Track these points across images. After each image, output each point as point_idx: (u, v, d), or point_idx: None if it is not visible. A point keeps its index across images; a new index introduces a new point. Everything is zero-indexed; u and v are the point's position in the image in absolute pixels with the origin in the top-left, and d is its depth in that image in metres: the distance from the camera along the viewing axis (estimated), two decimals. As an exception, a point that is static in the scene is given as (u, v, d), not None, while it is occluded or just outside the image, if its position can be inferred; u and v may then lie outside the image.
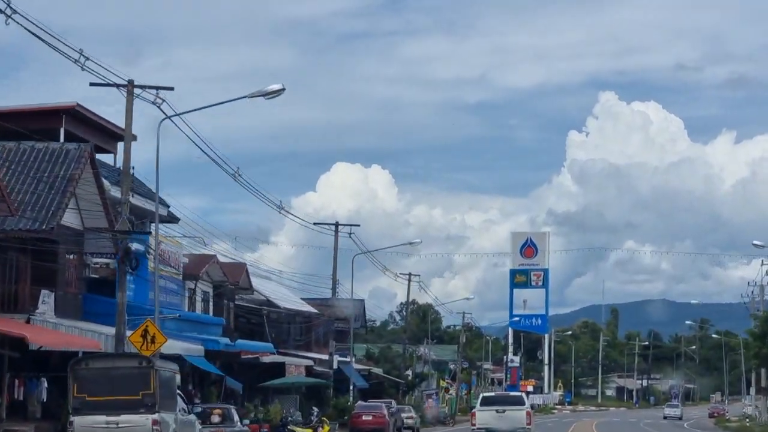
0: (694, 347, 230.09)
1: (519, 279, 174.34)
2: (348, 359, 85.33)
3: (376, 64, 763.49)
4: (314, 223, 79.16)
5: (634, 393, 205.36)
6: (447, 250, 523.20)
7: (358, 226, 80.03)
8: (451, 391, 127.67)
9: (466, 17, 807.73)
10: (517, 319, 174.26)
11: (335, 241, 78.93)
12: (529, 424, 48.22)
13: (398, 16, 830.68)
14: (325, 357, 79.10)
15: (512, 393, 64.71)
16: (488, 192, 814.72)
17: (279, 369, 69.71)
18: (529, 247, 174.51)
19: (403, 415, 79.90)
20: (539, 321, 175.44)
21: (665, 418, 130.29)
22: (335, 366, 77.71)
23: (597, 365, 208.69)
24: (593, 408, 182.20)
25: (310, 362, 75.11)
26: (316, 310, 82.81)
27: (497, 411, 48.08)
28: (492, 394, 63.67)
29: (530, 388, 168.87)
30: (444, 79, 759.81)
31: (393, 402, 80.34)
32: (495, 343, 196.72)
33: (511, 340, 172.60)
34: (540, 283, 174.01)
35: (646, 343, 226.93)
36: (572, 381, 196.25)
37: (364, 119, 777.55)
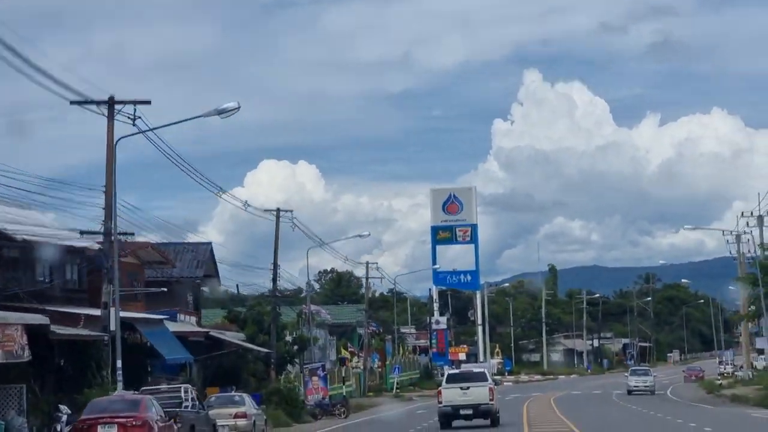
0: (649, 299, 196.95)
1: (442, 235, 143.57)
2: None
3: (298, 44, 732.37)
4: (248, 206, 66.05)
5: (585, 356, 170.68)
6: (375, 232, 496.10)
7: (292, 211, 71.41)
8: (355, 363, 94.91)
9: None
10: (442, 275, 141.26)
11: (276, 227, 69.96)
12: (492, 399, 48.40)
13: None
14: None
15: (475, 370, 59.37)
16: (414, 181, 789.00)
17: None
18: (452, 203, 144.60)
19: (223, 416, 45.13)
20: (469, 277, 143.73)
21: (630, 392, 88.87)
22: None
23: (539, 326, 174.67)
24: (539, 377, 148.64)
25: (44, 320, 39.84)
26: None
27: (461, 388, 48.59)
28: (456, 371, 63.41)
29: (462, 356, 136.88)
30: (368, 60, 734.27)
31: (189, 389, 44.12)
32: (421, 308, 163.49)
33: (436, 296, 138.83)
34: (468, 239, 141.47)
35: (597, 295, 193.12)
36: (512, 345, 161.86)
37: (289, 115, 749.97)
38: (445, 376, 52.88)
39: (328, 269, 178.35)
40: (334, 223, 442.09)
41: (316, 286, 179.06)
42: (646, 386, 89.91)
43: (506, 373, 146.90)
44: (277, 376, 69.92)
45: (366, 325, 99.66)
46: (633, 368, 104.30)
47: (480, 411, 48.40)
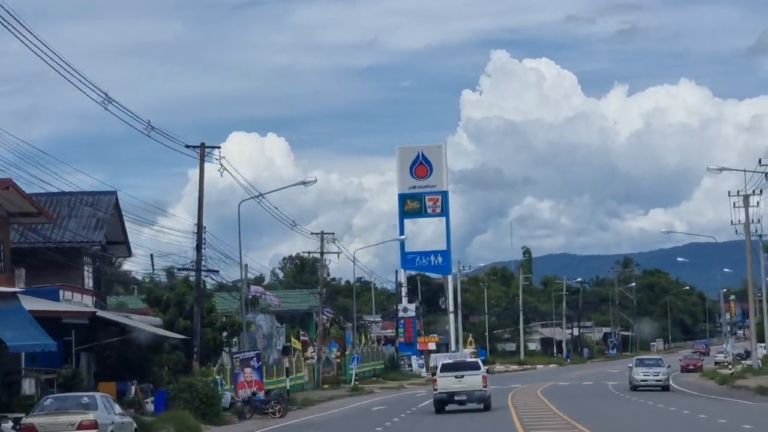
0: (633, 285, 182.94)
1: (411, 206, 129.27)
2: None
3: (268, 32, 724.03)
4: (186, 146, 56.12)
5: (564, 345, 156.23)
6: (345, 214, 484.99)
7: (219, 147, 57.67)
8: (311, 353, 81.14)
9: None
10: (411, 257, 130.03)
11: (201, 167, 56.62)
12: (485, 386, 50.29)
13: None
14: None
15: (468, 360, 59.79)
16: (384, 155, 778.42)
17: None
18: (421, 165, 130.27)
19: (59, 427, 31.63)
20: (440, 259, 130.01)
21: (635, 388, 68.31)
22: None
23: (514, 314, 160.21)
24: (515, 366, 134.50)
25: None
26: None
27: (456, 377, 50.25)
28: (450, 361, 59.70)
29: (432, 346, 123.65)
30: (336, 44, 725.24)
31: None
32: (389, 297, 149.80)
33: (404, 280, 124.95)
34: (438, 210, 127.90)
35: (579, 280, 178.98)
36: (486, 335, 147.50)
37: (258, 88, 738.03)
38: (440, 365, 54.02)
39: (293, 255, 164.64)
40: (303, 202, 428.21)
41: (280, 274, 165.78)
42: (657, 380, 68.43)
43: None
44: (202, 368, 55.26)
45: (320, 310, 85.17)
46: (640, 357, 79.30)
47: (474, 397, 50.33)
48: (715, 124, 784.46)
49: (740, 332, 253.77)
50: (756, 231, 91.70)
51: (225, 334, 61.66)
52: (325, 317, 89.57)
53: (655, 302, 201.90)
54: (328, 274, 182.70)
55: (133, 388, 47.22)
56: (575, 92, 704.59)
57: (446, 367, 52.31)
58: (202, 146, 56.85)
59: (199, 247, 56.52)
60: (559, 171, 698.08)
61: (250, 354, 57.38)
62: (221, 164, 56.71)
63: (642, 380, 68.70)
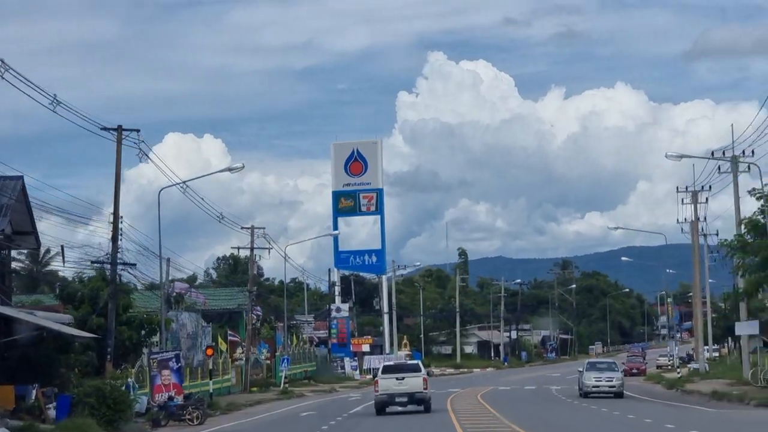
0: (573, 286, 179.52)
1: (345, 204, 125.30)
2: None
3: (205, 33, 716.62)
4: (102, 128, 51.51)
5: (501, 348, 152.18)
6: (281, 216, 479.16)
7: (139, 131, 52.75)
8: (240, 355, 76.65)
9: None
10: (345, 256, 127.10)
11: (117, 150, 52.09)
12: (425, 388, 50.20)
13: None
14: None
15: (410, 362, 60.38)
16: (320, 157, 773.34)
17: None
18: (356, 161, 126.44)
19: None
20: (374, 258, 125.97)
21: (586, 395, 60.89)
22: None
23: (450, 316, 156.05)
24: (451, 370, 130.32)
25: None
26: None
27: (397, 378, 50.37)
28: (392, 363, 60.03)
29: (366, 347, 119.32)
30: (272, 45, 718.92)
31: None
32: (323, 298, 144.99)
33: (337, 279, 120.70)
34: (373, 208, 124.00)
35: (518, 281, 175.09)
36: (422, 337, 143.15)
37: (194, 89, 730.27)
38: (381, 367, 53.84)
39: (227, 255, 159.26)
40: (240, 205, 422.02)
41: (214, 274, 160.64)
42: (611, 386, 60.79)
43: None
44: (116, 370, 50.40)
45: (249, 309, 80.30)
46: (591, 361, 69.51)
47: (415, 399, 50.35)
48: (650, 128, 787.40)
49: (678, 335, 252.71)
50: (702, 229, 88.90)
51: (143, 332, 56.56)
52: (255, 316, 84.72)
53: (594, 305, 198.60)
54: (262, 274, 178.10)
55: (34, 392, 42.31)
56: (512, 94, 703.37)
57: (387, 369, 52.44)
58: (119, 129, 52.17)
59: (114, 238, 51.69)
60: (496, 174, 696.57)
61: (168, 354, 52.62)
62: (140, 149, 52.12)
63: (594, 386, 61.05)
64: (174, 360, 51.88)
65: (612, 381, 60.87)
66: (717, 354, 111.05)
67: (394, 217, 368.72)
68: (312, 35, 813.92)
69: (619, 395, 60.25)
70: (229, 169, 58.60)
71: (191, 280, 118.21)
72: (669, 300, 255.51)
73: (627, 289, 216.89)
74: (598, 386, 60.94)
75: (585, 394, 60.98)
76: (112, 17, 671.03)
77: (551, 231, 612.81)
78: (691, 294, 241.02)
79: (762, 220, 57.55)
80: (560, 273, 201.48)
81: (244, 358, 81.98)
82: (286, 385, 79.61)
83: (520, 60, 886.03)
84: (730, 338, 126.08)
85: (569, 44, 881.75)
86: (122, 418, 42.03)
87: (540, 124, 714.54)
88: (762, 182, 58.29)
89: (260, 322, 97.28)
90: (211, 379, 62.84)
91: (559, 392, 69.87)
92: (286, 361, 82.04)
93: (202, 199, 65.00)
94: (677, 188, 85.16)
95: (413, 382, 50.05)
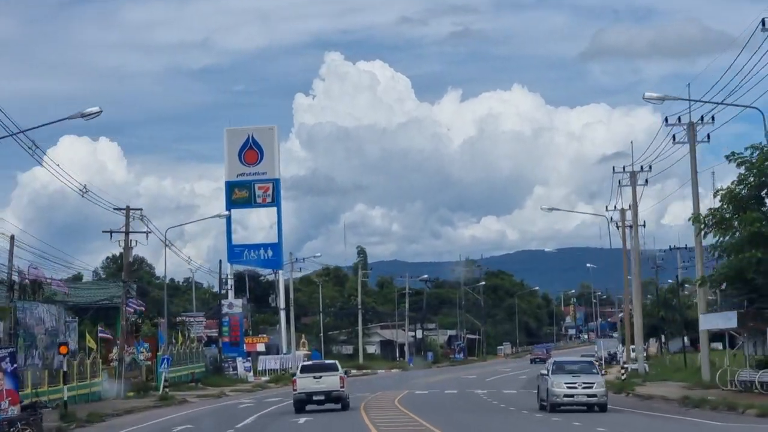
0: (483, 283, 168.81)
1: (239, 195, 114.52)
2: None
3: (98, 31, 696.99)
4: None
5: (406, 348, 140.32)
6: (178, 220, 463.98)
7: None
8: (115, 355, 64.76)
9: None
10: (239, 250, 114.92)
11: None
12: (342, 386, 50.60)
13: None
14: None
15: (327, 362, 57.76)
16: (217, 161, 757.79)
17: None
18: (251, 150, 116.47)
19: None
20: (270, 252, 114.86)
21: (554, 407, 43.86)
22: None
23: (350, 315, 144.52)
24: (354, 371, 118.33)
25: None
26: None
27: (314, 377, 50.81)
28: (310, 363, 60.65)
29: (261, 347, 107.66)
30: (167, 44, 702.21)
31: None
32: (216, 297, 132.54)
33: (230, 272, 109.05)
34: (269, 200, 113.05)
35: (425, 277, 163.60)
36: (321, 335, 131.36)
37: (89, 89, 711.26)
38: (300, 366, 54.47)
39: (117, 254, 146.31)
40: (136, 206, 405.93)
41: (102, 273, 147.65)
42: (591, 395, 43.97)
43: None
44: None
45: (123, 300, 67.70)
46: (558, 360, 49.42)
47: (332, 397, 50.62)
48: (547, 132, 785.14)
49: (584, 336, 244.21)
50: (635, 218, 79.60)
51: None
52: (132, 310, 72.17)
53: (499, 305, 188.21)
54: (153, 274, 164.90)
55: None
56: (409, 96, 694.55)
57: (305, 368, 52.87)
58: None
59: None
60: (392, 177, 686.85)
61: (1, 354, 40.02)
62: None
63: (567, 395, 43.94)
64: (8, 360, 39.36)
65: (592, 388, 43.85)
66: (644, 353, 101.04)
67: (290, 221, 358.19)
68: (208, 34, 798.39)
69: (602, 408, 43.79)
70: (82, 115, 46.10)
71: (78, 278, 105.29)
72: (573, 301, 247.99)
73: (537, 287, 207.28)
74: (572, 395, 44.00)
75: (552, 407, 43.92)
76: (5, 16, 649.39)
77: (447, 235, 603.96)
78: (598, 294, 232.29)
79: (742, 191, 46.93)
80: (463, 271, 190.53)
81: (117, 359, 69.75)
82: (167, 390, 67.24)
83: (417, 60, 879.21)
84: (655, 337, 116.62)
85: (465, 44, 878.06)
86: None
87: (437, 127, 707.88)
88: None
89: (141, 318, 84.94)
90: (64, 384, 50.32)
91: (492, 398, 58.42)
92: (166, 361, 69.50)
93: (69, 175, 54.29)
94: (613, 168, 76.52)
95: (330, 381, 50.44)
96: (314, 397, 50.12)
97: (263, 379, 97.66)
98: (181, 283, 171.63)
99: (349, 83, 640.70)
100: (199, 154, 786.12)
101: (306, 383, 50.31)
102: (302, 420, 43.32)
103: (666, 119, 58.78)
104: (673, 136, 58.99)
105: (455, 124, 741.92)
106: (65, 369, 51.48)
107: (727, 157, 47.46)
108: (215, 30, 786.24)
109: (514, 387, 73.21)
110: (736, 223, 46.69)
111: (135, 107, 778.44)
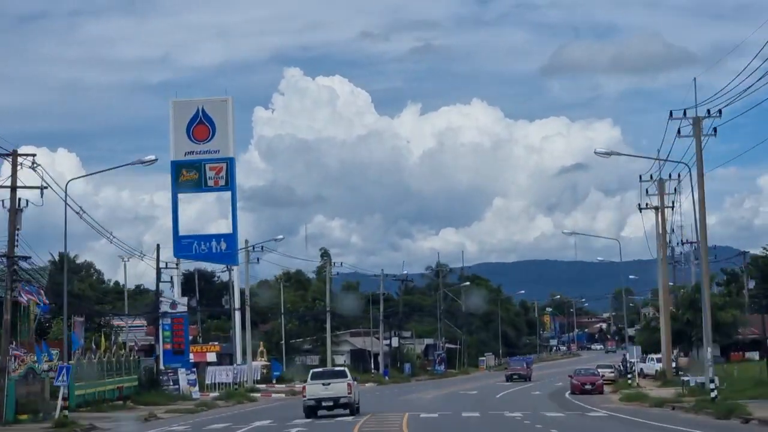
0: (468, 283, 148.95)
1: (187, 177, 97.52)
2: None
3: (57, 46, 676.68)
4: None
5: (381, 358, 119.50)
6: (136, 232, 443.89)
7: None
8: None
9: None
10: (187, 242, 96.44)
11: None
12: (350, 393, 50.86)
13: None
14: None
15: (336, 369, 59.53)
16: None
17: None
18: (201, 124, 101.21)
19: None
20: (223, 244, 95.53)
21: None
22: None
23: (315, 320, 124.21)
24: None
25: None
26: None
27: (323, 384, 51.06)
28: (320, 369, 60.81)
29: (212, 357, 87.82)
30: (126, 59, 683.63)
31: None
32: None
33: (177, 266, 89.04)
34: (222, 183, 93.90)
35: (404, 275, 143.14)
36: (282, 344, 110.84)
37: (48, 101, 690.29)
38: (310, 373, 53.80)
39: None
40: (95, 219, 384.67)
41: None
42: None
43: (274, 381, 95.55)
44: None
45: (8, 285, 46.67)
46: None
47: (340, 403, 50.87)
48: (506, 144, 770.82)
49: (564, 348, 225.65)
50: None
51: None
52: (24, 300, 51.32)
53: (476, 313, 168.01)
54: (102, 281, 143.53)
55: None
56: (368, 110, 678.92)
57: (315, 375, 52.79)
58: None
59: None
60: (351, 190, 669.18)
61: None
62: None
63: None
64: None
65: None
66: (674, 363, 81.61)
67: (248, 232, 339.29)
68: (168, 49, 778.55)
69: None
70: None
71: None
72: (549, 310, 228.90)
73: (522, 291, 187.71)
74: None
75: None
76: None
77: (406, 247, 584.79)
78: (582, 302, 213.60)
79: None
80: (434, 279, 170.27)
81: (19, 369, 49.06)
82: (65, 414, 46.31)
83: (377, 76, 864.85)
84: (679, 345, 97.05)
85: (426, 60, 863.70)
86: None
87: (396, 139, 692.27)
88: None
89: (52, 317, 64.19)
90: None
91: (544, 424, 38.31)
92: (64, 371, 47.89)
93: None
94: (640, 177, 73.24)
95: (338, 388, 50.59)
96: (323, 404, 50.51)
97: (211, 395, 77.50)
98: (131, 288, 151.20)
99: (308, 98, 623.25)
100: (157, 166, 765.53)
101: (315, 390, 50.72)
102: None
103: (671, 113, 53.56)
104: (678, 130, 53.64)
105: (415, 137, 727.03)
106: None
107: None
108: (174, 45, 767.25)
109: (550, 407, 53.62)
110: None
111: (93, 119, 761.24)
